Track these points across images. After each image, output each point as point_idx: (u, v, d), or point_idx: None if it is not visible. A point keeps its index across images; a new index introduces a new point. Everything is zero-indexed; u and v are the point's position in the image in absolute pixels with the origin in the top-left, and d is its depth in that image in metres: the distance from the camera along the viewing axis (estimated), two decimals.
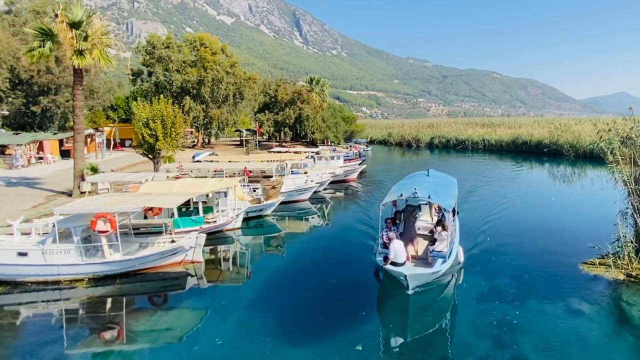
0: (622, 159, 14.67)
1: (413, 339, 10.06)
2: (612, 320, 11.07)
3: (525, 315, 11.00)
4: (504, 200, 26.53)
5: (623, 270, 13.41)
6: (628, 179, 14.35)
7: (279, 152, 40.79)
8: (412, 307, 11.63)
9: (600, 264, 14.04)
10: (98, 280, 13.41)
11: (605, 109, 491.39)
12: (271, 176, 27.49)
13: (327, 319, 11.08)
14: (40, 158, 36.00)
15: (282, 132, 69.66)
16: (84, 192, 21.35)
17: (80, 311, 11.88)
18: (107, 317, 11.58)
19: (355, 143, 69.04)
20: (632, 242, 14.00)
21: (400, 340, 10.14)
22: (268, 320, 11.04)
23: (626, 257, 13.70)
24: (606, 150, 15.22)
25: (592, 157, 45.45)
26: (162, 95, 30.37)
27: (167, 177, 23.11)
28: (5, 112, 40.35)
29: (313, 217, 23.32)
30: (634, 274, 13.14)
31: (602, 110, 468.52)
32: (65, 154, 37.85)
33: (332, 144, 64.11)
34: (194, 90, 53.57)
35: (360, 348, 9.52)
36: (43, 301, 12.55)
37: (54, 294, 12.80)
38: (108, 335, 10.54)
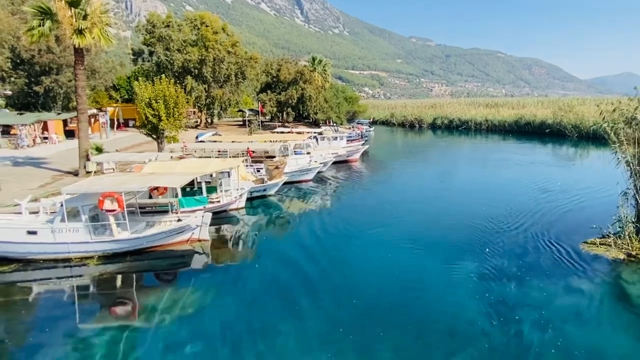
0: (625, 139, 14.65)
1: (412, 315, 10.33)
2: (611, 298, 11.31)
3: (526, 293, 11.23)
4: (506, 181, 26.66)
5: (623, 250, 13.57)
6: (631, 160, 14.37)
7: (282, 132, 40.71)
8: (413, 280, 11.93)
9: (601, 243, 14.20)
10: (108, 258, 13.73)
11: (610, 89, 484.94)
12: (274, 156, 27.59)
13: (330, 295, 11.37)
14: (45, 138, 36.08)
15: (284, 113, 69.29)
16: (90, 172, 21.52)
17: (92, 288, 12.21)
18: (117, 293, 11.89)
19: (358, 124, 68.68)
20: (633, 222, 14.11)
21: (396, 314, 10.36)
22: (273, 296, 11.34)
23: (627, 237, 13.84)
24: (609, 131, 15.17)
25: (595, 138, 45.22)
26: (163, 75, 30.20)
27: (171, 157, 23.25)
28: (9, 92, 40.22)
29: (316, 198, 23.49)
30: (634, 253, 13.30)
31: (607, 90, 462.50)
32: (69, 134, 37.91)
33: (335, 124, 63.83)
34: (196, 70, 53.10)
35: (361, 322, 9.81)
36: (55, 278, 12.88)
37: (65, 271, 13.13)
38: (119, 311, 10.84)
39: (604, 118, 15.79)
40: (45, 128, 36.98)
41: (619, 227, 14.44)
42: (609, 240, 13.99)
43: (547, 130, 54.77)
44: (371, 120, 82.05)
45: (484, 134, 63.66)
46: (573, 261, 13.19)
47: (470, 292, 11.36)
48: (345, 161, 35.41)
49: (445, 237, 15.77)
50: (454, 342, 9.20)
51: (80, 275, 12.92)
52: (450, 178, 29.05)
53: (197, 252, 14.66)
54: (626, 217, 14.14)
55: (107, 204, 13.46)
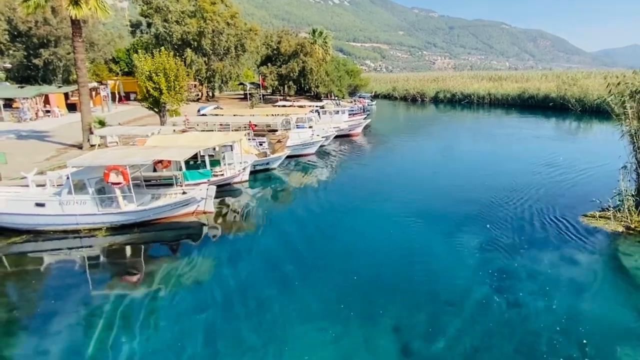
0: (630, 113, 14.60)
1: (414, 284, 10.62)
2: (609, 269, 11.54)
3: (525, 264, 11.49)
4: (507, 155, 26.71)
5: (622, 223, 13.75)
6: (635, 134, 14.36)
7: (284, 106, 40.41)
8: (415, 251, 12.20)
9: (600, 217, 14.38)
10: (115, 230, 14.01)
11: (616, 61, 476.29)
12: (276, 130, 27.54)
13: (333, 265, 11.67)
14: (48, 111, 35.92)
15: (286, 86, 68.47)
16: (94, 145, 21.58)
17: (101, 257, 12.53)
18: (126, 263, 12.20)
19: (360, 97, 68.01)
20: (632, 195, 14.23)
21: (398, 284, 10.68)
22: (277, 266, 11.63)
23: (626, 211, 14.00)
24: (613, 104, 15.10)
25: (599, 112, 44.89)
26: (163, 48, 29.73)
27: (174, 130, 23.24)
28: (8, 65, 39.73)
29: (319, 171, 23.61)
30: (632, 226, 13.49)
31: (612, 63, 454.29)
32: (71, 107, 37.73)
33: (336, 98, 63.21)
34: (195, 42, 52.13)
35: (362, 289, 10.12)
36: (65, 248, 13.19)
37: (74, 242, 13.43)
38: (128, 279, 11.15)
39: (610, 91, 15.68)
40: (47, 101, 36.75)
41: (619, 200, 14.58)
42: (609, 214, 14.15)
43: (550, 104, 54.28)
44: (373, 94, 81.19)
45: (486, 108, 63.10)
46: (572, 234, 13.40)
47: (471, 263, 11.62)
48: (347, 135, 35.33)
49: (446, 210, 15.97)
50: (454, 311, 9.48)
51: (89, 246, 13.23)
52: (452, 152, 29.09)
53: (202, 224, 14.93)
54: (626, 191, 14.25)
55: (113, 177, 13.62)
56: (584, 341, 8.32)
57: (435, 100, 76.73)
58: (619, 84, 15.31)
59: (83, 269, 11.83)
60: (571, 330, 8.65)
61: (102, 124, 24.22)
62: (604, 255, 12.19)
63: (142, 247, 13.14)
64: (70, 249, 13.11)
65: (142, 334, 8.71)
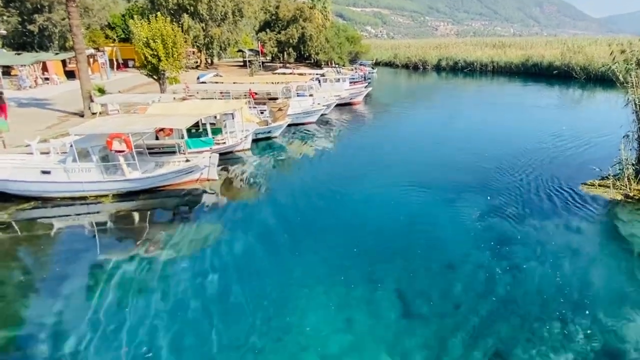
0: (635, 81, 14.47)
1: (414, 249, 10.91)
2: (606, 236, 11.81)
3: (523, 230, 11.75)
4: (509, 124, 26.64)
5: (621, 191, 13.92)
6: (639, 102, 14.30)
7: (284, 73, 39.80)
8: (416, 218, 12.46)
9: (599, 185, 14.55)
10: (121, 196, 14.24)
11: (622, 28, 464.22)
12: (277, 98, 27.29)
13: (335, 231, 11.96)
14: (46, 79, 35.40)
15: (285, 53, 67.11)
16: (95, 113, 21.47)
17: (108, 223, 12.78)
18: (133, 228, 12.44)
19: (360, 65, 66.81)
20: (633, 164, 14.33)
21: (399, 249, 10.96)
22: (281, 232, 11.90)
23: (625, 179, 14.15)
24: (618, 73, 14.94)
25: (603, 80, 44.32)
26: (159, 13, 28.96)
27: (174, 98, 23.07)
28: (3, 32, 38.72)
29: (320, 140, 23.62)
30: (631, 194, 13.66)
31: (619, 30, 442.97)
32: (70, 74, 37.13)
33: (337, 65, 62.11)
34: (191, 8, 50.64)
35: (359, 254, 10.43)
36: (73, 215, 13.42)
37: (82, 208, 13.67)
38: (136, 244, 11.38)
39: (614, 59, 15.49)
40: (45, 69, 36.15)
41: (619, 169, 14.70)
42: (608, 182, 14.29)
43: (554, 72, 53.49)
44: (374, 61, 79.71)
45: (489, 76, 62.18)
46: (571, 201, 13.61)
47: (471, 230, 11.87)
48: (348, 104, 35.01)
49: (448, 178, 16.12)
50: (454, 275, 9.79)
51: (97, 212, 13.47)
52: (453, 121, 28.96)
53: (206, 192, 15.13)
54: (627, 160, 14.35)
55: (116, 145, 13.69)
56: (579, 305, 8.64)
57: (437, 68, 75.45)
58: (624, 51, 15.11)
59: (91, 234, 12.11)
60: (567, 295, 8.96)
61: (101, 91, 23.98)
62: (601, 223, 12.42)
63: (148, 213, 13.37)
64: (78, 215, 13.35)
65: (148, 296, 9.05)
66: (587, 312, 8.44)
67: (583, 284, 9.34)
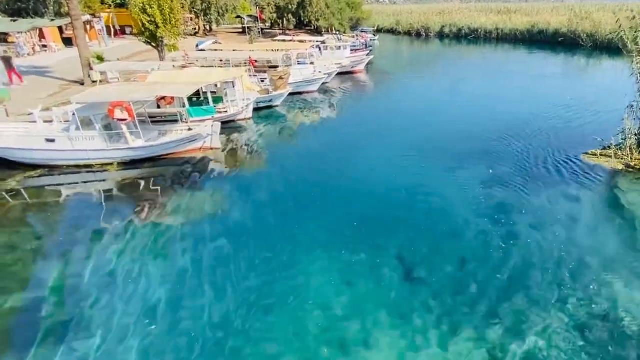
0: None
1: (416, 217, 11.15)
2: (605, 205, 12.00)
3: (524, 199, 11.95)
4: (513, 93, 26.37)
5: (623, 161, 14.01)
6: None
7: (284, 41, 38.95)
8: (417, 186, 12.65)
9: (601, 155, 14.63)
10: (126, 165, 14.40)
11: None
12: (277, 66, 26.87)
13: (338, 199, 12.16)
14: (44, 46, 34.66)
15: (284, 19, 65.32)
16: (95, 82, 21.25)
17: (115, 191, 12.98)
18: (139, 196, 12.61)
19: (362, 32, 65.18)
20: (636, 134, 14.36)
21: (402, 217, 11.19)
22: (285, 200, 12.13)
23: (627, 149, 14.22)
24: (626, 40, 14.68)
25: (610, 48, 43.40)
26: None
27: (174, 66, 22.78)
28: None
29: (322, 109, 23.47)
30: (632, 164, 13.77)
31: None
32: (67, 42, 36.28)
33: (338, 32, 60.61)
34: None
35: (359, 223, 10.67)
36: (81, 182, 13.60)
37: (88, 176, 13.85)
38: (142, 211, 11.61)
39: (620, 26, 15.20)
40: (42, 36, 35.31)
41: (622, 139, 14.73)
42: (610, 152, 14.39)
43: (560, 39, 52.30)
44: (375, 28, 77.72)
45: (493, 44, 60.81)
46: (573, 171, 13.73)
47: (472, 198, 12.07)
48: (350, 72, 34.46)
49: (450, 147, 16.18)
50: (454, 242, 10.05)
51: (103, 180, 13.64)
52: (456, 90, 28.65)
53: (210, 160, 15.25)
54: (629, 130, 14.35)
55: (118, 113, 13.69)
56: (577, 271, 8.92)
57: (441, 35, 73.64)
58: (634, 18, 14.80)
59: (99, 201, 12.31)
60: (566, 261, 9.23)
61: (100, 59, 23.58)
62: (601, 192, 12.58)
63: (153, 181, 13.52)
64: (85, 182, 13.53)
65: (155, 260, 9.35)
66: (584, 278, 8.73)
67: (582, 251, 9.60)
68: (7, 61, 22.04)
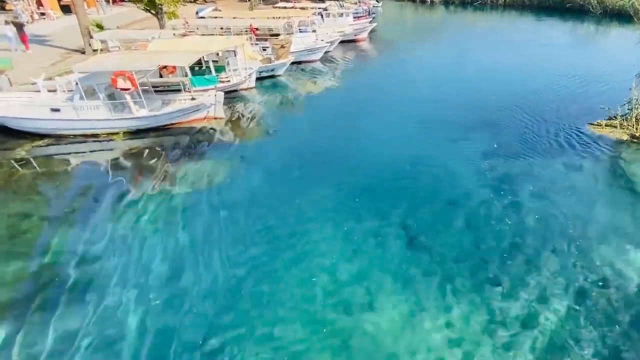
0: None
1: (418, 185, 11.33)
2: (607, 175, 12.07)
3: (526, 169, 12.05)
4: (519, 62, 25.94)
5: (628, 131, 13.98)
6: None
7: (285, 7, 37.97)
8: (421, 156, 12.75)
9: (606, 125, 14.58)
10: (132, 134, 14.49)
11: None
12: (279, 35, 26.36)
13: (342, 167, 12.32)
14: (42, 14, 33.91)
15: None
16: (96, 50, 20.97)
17: (122, 160, 13.10)
18: (146, 165, 12.74)
19: None
20: None
21: (405, 186, 11.36)
22: (290, 168, 12.28)
23: (633, 119, 14.12)
24: (638, 6, 14.35)
25: (620, 15, 42.24)
26: None
27: (174, 34, 22.39)
28: None
29: (325, 78, 23.21)
30: (637, 134, 13.73)
31: None
32: (65, 9, 35.44)
33: None
34: None
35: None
36: (88, 151, 13.74)
37: (95, 145, 13.97)
38: (148, 179, 11.76)
39: None
40: (39, 3, 34.50)
41: (628, 109, 14.63)
42: (615, 122, 14.32)
43: (568, 6, 50.85)
44: None
45: (500, 10, 59.19)
46: (577, 141, 13.76)
47: (475, 168, 12.18)
48: (353, 40, 33.79)
49: (454, 116, 16.13)
50: (457, 210, 10.24)
51: (110, 149, 13.75)
52: (462, 59, 28.16)
53: (214, 129, 15.29)
54: (636, 99, 14.23)
55: (121, 83, 13.65)
56: (578, 239, 9.12)
57: (446, 2, 71.38)
58: None
59: (106, 170, 12.45)
60: (567, 229, 9.44)
61: (100, 27, 23.09)
62: (605, 162, 12.61)
63: (159, 150, 13.62)
64: (92, 151, 13.66)
65: (164, 227, 9.59)
66: (585, 245, 8.94)
67: (583, 220, 9.77)
68: (20, 27, 21.78)
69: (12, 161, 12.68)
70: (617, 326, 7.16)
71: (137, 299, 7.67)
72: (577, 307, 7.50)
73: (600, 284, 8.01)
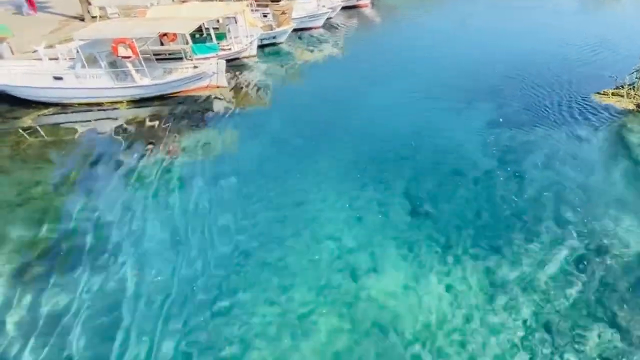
0: None
1: (423, 154, 11.36)
2: (612, 144, 12.03)
3: (531, 138, 12.04)
4: (526, 32, 25.41)
5: (634, 101, 13.85)
6: None
7: None
8: (424, 126, 12.78)
9: (613, 94, 14.43)
10: (136, 103, 14.49)
11: None
12: (279, 0, 25.75)
13: (346, 136, 12.35)
14: None
15: None
16: (95, 17, 20.63)
17: (128, 128, 13.17)
18: (150, 133, 12.82)
19: None
20: None
21: (408, 155, 11.43)
22: (294, 137, 12.32)
23: None
24: None
25: None
26: None
27: (173, 0, 21.95)
28: None
29: (328, 46, 22.84)
30: None
31: None
32: None
33: None
34: None
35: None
36: (93, 120, 13.76)
37: (100, 114, 14.00)
38: (153, 147, 11.87)
39: None
40: None
41: (636, 77, 14.43)
42: (622, 91, 14.18)
43: None
44: None
45: None
46: (583, 110, 13.68)
47: (478, 137, 12.18)
48: (355, 6, 33.02)
49: (459, 85, 16.00)
50: (460, 179, 10.31)
51: (115, 118, 13.77)
52: (467, 28, 27.56)
53: (217, 98, 15.27)
54: None
55: (122, 51, 13.54)
56: (579, 207, 9.24)
57: None
58: None
59: (112, 138, 12.53)
60: (569, 198, 9.54)
61: None
62: (610, 131, 12.57)
63: (164, 118, 13.67)
64: (97, 120, 13.68)
65: (170, 195, 9.75)
66: (586, 214, 9.05)
67: (586, 189, 9.86)
68: None
69: (20, 130, 12.73)
70: (615, 291, 7.36)
71: (146, 261, 7.89)
72: (577, 273, 7.67)
73: (599, 250, 8.16)
